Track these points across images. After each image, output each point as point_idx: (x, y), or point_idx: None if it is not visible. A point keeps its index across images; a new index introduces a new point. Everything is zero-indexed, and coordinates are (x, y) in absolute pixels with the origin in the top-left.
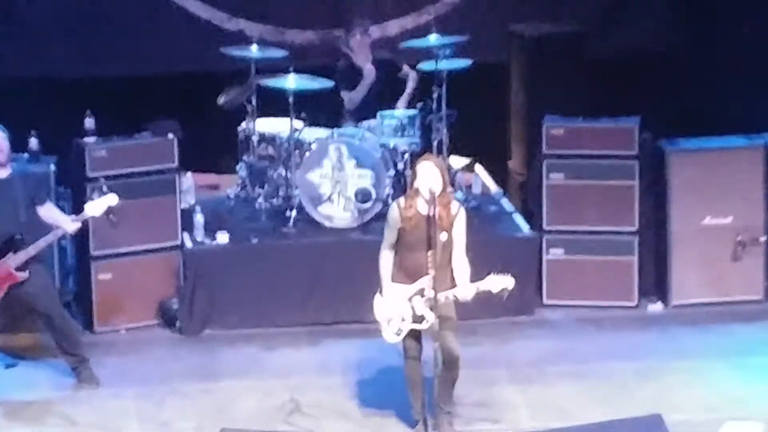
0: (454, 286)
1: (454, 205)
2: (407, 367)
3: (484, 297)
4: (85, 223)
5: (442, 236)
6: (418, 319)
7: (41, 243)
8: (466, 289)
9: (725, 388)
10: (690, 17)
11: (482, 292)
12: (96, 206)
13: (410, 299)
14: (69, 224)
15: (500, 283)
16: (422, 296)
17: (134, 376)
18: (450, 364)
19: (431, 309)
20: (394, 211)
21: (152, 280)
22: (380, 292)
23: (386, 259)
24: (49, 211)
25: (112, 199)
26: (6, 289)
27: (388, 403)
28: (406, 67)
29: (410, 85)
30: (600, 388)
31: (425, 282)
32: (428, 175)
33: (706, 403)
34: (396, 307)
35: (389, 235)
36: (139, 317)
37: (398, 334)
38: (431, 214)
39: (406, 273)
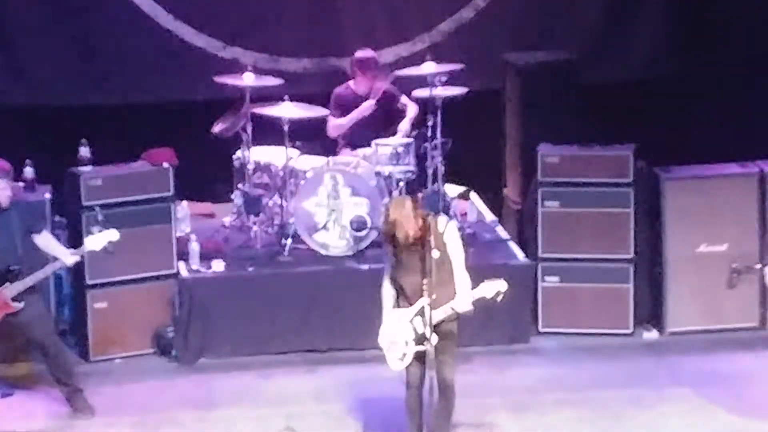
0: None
1: (441, 222)
2: (408, 395)
3: (481, 320)
4: (82, 256)
5: (434, 254)
6: (421, 339)
7: (39, 275)
8: (463, 300)
9: (721, 416)
10: (684, 44)
11: (478, 299)
12: (96, 240)
13: (411, 321)
14: (68, 257)
15: (493, 287)
16: (422, 316)
17: (130, 405)
18: (444, 392)
19: (432, 328)
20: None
21: (148, 309)
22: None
23: (387, 285)
24: (46, 241)
25: (112, 235)
26: (1, 318)
27: (385, 430)
28: (404, 98)
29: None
30: (595, 415)
31: (425, 302)
32: (404, 224)
33: None
34: (398, 331)
35: (389, 265)
36: (134, 346)
37: (402, 360)
38: (427, 239)
39: (405, 296)
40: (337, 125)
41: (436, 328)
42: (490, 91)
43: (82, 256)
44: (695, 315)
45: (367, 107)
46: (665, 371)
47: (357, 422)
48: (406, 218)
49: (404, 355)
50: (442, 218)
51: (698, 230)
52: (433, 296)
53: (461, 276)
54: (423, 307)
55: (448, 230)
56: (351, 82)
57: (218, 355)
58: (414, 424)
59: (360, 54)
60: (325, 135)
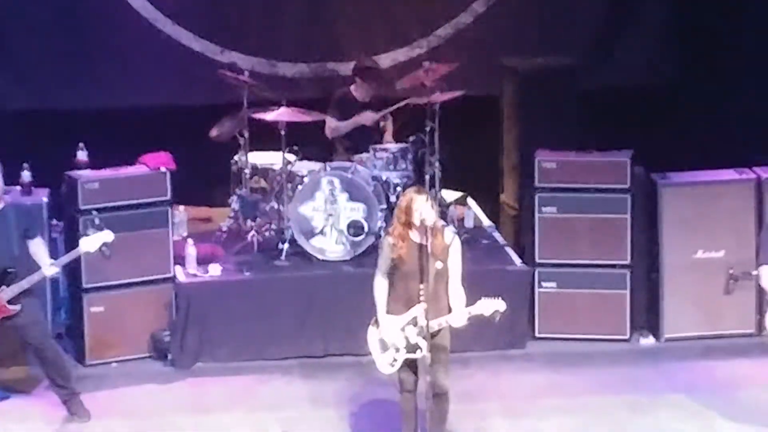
0: (449, 314)
1: (448, 234)
2: (402, 400)
3: (478, 325)
4: (72, 262)
5: (437, 265)
6: (412, 348)
7: (35, 277)
8: (458, 316)
9: (717, 422)
10: (682, 51)
11: (474, 316)
12: (91, 242)
13: (403, 329)
14: (47, 268)
15: (491, 306)
16: (415, 325)
17: (125, 408)
18: (439, 398)
19: (424, 338)
20: (387, 241)
21: (144, 313)
22: (374, 323)
23: (380, 286)
24: (36, 248)
25: (107, 236)
26: None
27: None
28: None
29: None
30: (592, 421)
31: (418, 311)
32: (422, 208)
33: None
34: (390, 337)
35: (383, 264)
36: (130, 350)
37: (392, 365)
38: (424, 243)
39: (402, 303)
40: (335, 128)
41: (426, 338)
42: (488, 96)
43: (65, 266)
44: (692, 321)
45: (367, 117)
46: (662, 377)
47: (353, 427)
48: (425, 204)
49: (395, 360)
50: (448, 230)
51: (695, 236)
52: (427, 306)
53: (457, 291)
54: (416, 317)
55: (454, 243)
56: (352, 87)
57: (214, 359)
58: (409, 428)
59: (361, 62)
60: (322, 140)
